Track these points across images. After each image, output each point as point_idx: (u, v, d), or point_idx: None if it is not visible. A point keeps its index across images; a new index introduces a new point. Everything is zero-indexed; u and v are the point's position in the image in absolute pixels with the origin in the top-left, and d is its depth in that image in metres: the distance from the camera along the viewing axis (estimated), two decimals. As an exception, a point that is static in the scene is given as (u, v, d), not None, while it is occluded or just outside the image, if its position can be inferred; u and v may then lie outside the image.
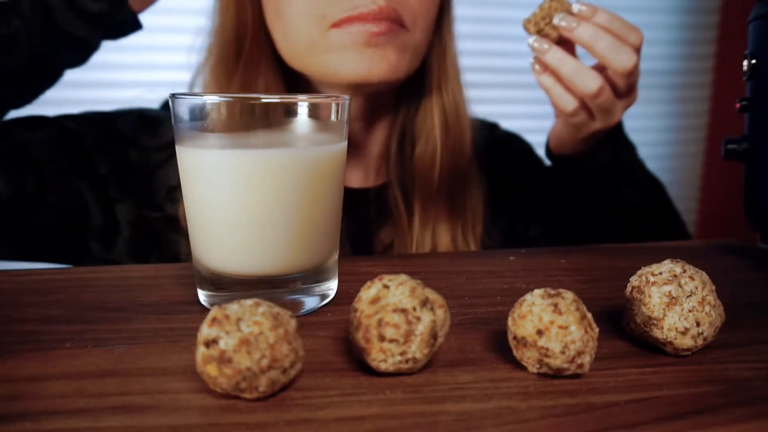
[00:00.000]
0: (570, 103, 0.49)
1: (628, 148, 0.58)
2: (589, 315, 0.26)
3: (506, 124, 0.73)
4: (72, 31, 0.52)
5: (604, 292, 0.38)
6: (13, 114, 0.57)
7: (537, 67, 0.49)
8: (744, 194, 0.46)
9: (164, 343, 0.30)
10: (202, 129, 0.32)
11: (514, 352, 0.27)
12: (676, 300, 0.28)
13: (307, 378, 0.26)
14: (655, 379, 0.27)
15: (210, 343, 0.23)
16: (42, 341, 0.29)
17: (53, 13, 0.50)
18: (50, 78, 0.57)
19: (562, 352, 0.25)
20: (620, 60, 0.46)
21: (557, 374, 0.26)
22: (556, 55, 0.47)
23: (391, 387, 0.25)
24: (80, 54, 0.57)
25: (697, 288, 0.28)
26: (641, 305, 0.28)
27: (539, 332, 0.25)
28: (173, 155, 0.35)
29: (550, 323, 0.25)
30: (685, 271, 0.28)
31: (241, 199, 0.32)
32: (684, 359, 0.29)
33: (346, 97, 0.34)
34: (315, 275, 0.34)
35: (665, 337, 0.28)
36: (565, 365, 0.25)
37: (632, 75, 0.47)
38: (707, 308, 0.28)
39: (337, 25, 0.49)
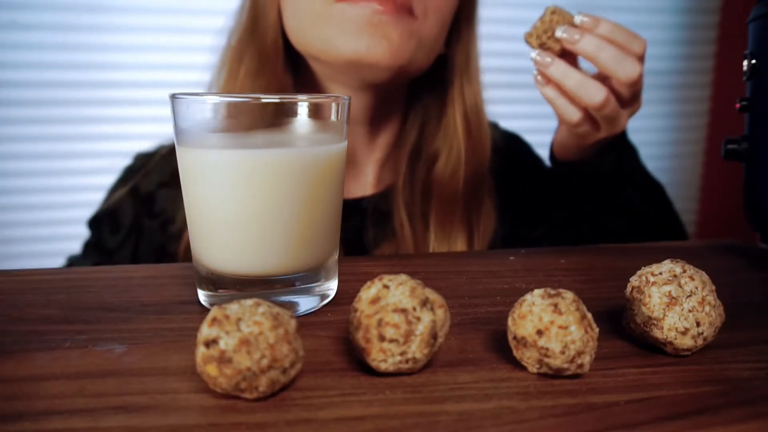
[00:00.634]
0: (574, 115, 0.48)
1: (631, 151, 0.58)
2: (589, 315, 0.26)
3: (506, 124, 0.73)
4: None
5: (604, 292, 0.38)
6: None
7: (540, 78, 0.49)
8: (744, 194, 0.46)
9: (164, 343, 0.30)
10: (202, 129, 0.32)
11: (514, 352, 0.27)
12: (676, 300, 0.28)
13: (307, 378, 0.26)
14: (655, 379, 0.27)
15: (210, 343, 0.23)
16: (42, 341, 0.29)
17: None
18: None
19: (562, 352, 0.25)
20: (624, 70, 0.45)
21: (557, 374, 0.26)
22: (559, 69, 0.46)
23: (391, 387, 0.25)
24: None
25: (697, 288, 0.28)
26: (641, 305, 0.28)
27: (539, 332, 0.25)
28: None
29: (550, 323, 0.25)
30: (685, 271, 0.28)
31: (241, 199, 0.32)
32: (684, 359, 0.29)
33: (346, 97, 0.34)
34: (315, 275, 0.34)
35: (665, 337, 0.28)
36: (565, 365, 0.25)
37: (637, 84, 0.47)
38: (707, 308, 0.28)
39: None
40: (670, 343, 0.28)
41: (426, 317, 0.25)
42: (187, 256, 0.52)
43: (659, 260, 0.30)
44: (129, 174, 0.64)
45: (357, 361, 0.28)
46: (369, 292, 0.26)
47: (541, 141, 0.67)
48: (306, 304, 0.34)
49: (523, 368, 0.27)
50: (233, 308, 0.24)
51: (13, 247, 1.27)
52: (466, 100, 0.59)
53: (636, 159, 0.59)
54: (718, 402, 0.25)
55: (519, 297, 0.27)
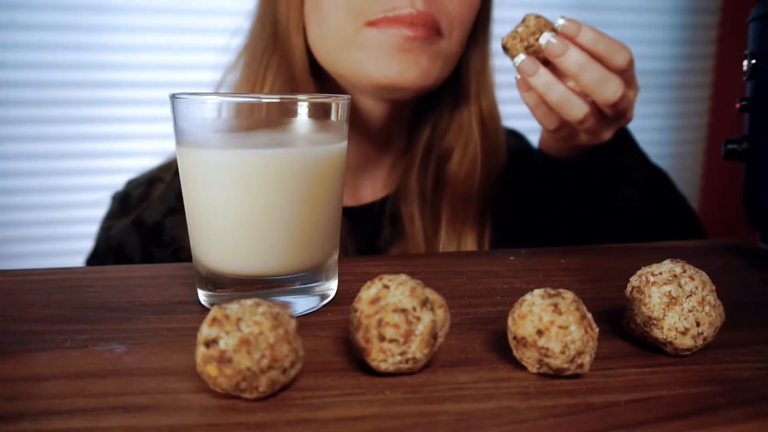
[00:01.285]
0: (551, 124, 0.47)
1: (629, 147, 0.57)
2: (589, 315, 0.26)
3: (507, 124, 0.72)
4: None
5: (604, 292, 0.38)
6: None
7: (521, 82, 0.47)
8: (744, 194, 0.46)
9: (164, 343, 0.30)
10: (202, 129, 0.32)
11: (514, 352, 0.27)
12: (676, 300, 0.28)
13: (307, 378, 0.26)
14: (655, 379, 0.27)
15: (210, 343, 0.23)
16: (42, 341, 0.29)
17: None
18: None
19: (562, 352, 0.25)
20: (605, 93, 0.43)
21: (557, 374, 0.26)
22: (544, 80, 0.44)
23: (391, 387, 0.25)
24: None
25: (697, 288, 0.28)
26: (641, 305, 0.28)
27: (539, 332, 0.25)
28: None
29: (550, 323, 0.25)
30: (685, 271, 0.28)
31: (241, 199, 0.32)
32: (684, 359, 0.29)
33: (347, 96, 0.34)
34: (315, 275, 0.34)
35: (665, 337, 0.28)
36: (565, 365, 0.25)
37: (618, 105, 0.45)
38: (707, 308, 0.28)
39: (372, 23, 0.49)
40: (670, 343, 0.28)
41: (426, 317, 0.25)
42: None
43: (659, 260, 0.30)
44: (125, 204, 0.61)
45: (357, 361, 0.28)
46: (369, 292, 0.26)
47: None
48: (306, 304, 0.34)
49: (523, 368, 0.27)
50: (233, 308, 0.24)
51: (13, 247, 1.27)
52: (482, 102, 0.59)
53: (633, 155, 0.57)
54: (718, 402, 0.25)
55: (519, 297, 0.27)
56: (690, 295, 0.28)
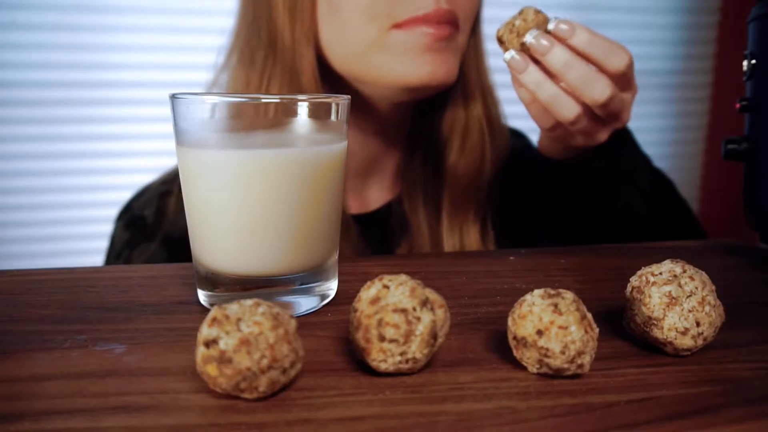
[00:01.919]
0: (546, 123, 0.47)
1: (631, 149, 0.56)
2: (589, 315, 0.26)
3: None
4: None
5: (604, 292, 0.38)
6: None
7: (514, 78, 0.46)
8: (744, 194, 0.46)
9: (164, 343, 0.30)
10: (202, 129, 0.32)
11: (514, 352, 0.27)
12: (676, 300, 0.28)
13: (307, 378, 0.26)
14: (655, 379, 0.27)
15: (210, 343, 0.23)
16: (42, 341, 0.29)
17: None
18: None
19: (562, 352, 0.25)
20: (592, 93, 0.43)
21: (557, 374, 0.26)
22: (533, 78, 0.43)
23: (391, 387, 0.25)
24: None
25: (697, 288, 0.28)
26: (641, 305, 0.28)
27: (539, 332, 0.25)
28: None
29: (550, 323, 0.25)
30: (685, 271, 0.28)
31: (241, 199, 0.32)
32: (684, 359, 0.29)
33: (347, 97, 0.34)
34: (315, 275, 0.34)
35: (665, 337, 0.28)
36: (565, 365, 0.25)
37: (608, 106, 0.44)
38: (707, 308, 0.28)
39: (398, 26, 0.49)
40: (670, 343, 0.28)
41: (426, 317, 0.25)
42: None
43: (659, 260, 0.30)
44: (141, 227, 0.58)
45: (357, 361, 0.28)
46: (369, 292, 0.26)
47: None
48: (306, 304, 0.34)
49: (523, 368, 0.27)
50: (233, 308, 0.24)
51: (13, 247, 1.27)
52: (484, 93, 0.59)
53: (636, 159, 0.57)
54: (718, 402, 0.25)
55: (519, 297, 0.27)
56: (690, 295, 0.28)
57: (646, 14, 1.59)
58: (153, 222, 0.57)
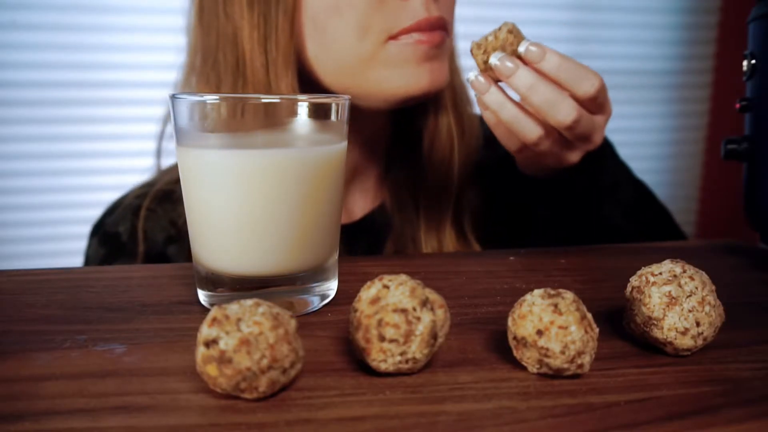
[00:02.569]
0: (513, 145, 0.47)
1: (610, 164, 0.55)
2: (589, 315, 0.26)
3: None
4: None
5: (604, 292, 0.38)
6: None
7: (478, 100, 0.45)
8: (744, 194, 0.46)
9: (164, 343, 0.30)
10: (202, 129, 0.32)
11: (514, 352, 0.27)
12: (676, 300, 0.28)
13: (307, 378, 0.26)
14: (655, 379, 0.27)
15: (210, 343, 0.23)
16: (42, 341, 0.29)
17: None
18: None
19: (562, 352, 0.25)
20: (557, 115, 0.42)
21: (557, 374, 0.26)
22: (495, 98, 0.43)
23: (391, 387, 0.25)
24: None
25: (697, 288, 0.28)
26: (641, 305, 0.28)
27: (539, 332, 0.25)
28: None
29: (550, 323, 0.25)
30: (685, 271, 0.28)
31: (241, 199, 0.32)
32: (684, 359, 0.29)
33: (347, 97, 0.34)
34: (315, 275, 0.34)
35: (665, 337, 0.28)
36: (565, 365, 0.25)
37: (575, 129, 0.43)
38: (707, 308, 0.28)
39: (393, 37, 0.48)
40: (670, 343, 0.28)
41: (426, 317, 0.25)
42: None
43: (659, 260, 0.30)
44: (115, 244, 0.56)
45: (357, 361, 0.28)
46: (369, 292, 0.26)
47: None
48: (306, 304, 0.34)
49: (523, 368, 0.27)
50: (233, 308, 0.24)
51: (13, 247, 1.27)
52: (455, 93, 0.58)
53: (616, 173, 0.56)
54: (718, 402, 0.25)
55: (519, 297, 0.27)
56: (690, 295, 0.28)
57: (646, 14, 1.59)
58: (128, 239, 0.56)
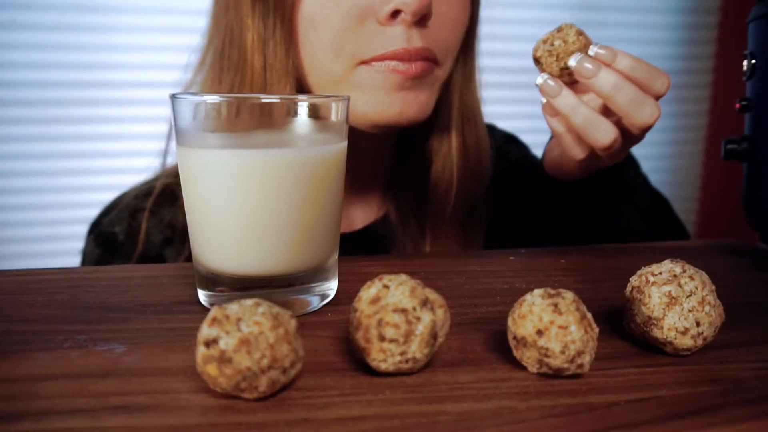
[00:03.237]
0: (580, 154, 0.44)
1: (632, 165, 0.55)
2: (589, 315, 0.26)
3: (503, 124, 0.72)
4: None
5: (604, 292, 0.38)
6: None
7: (547, 106, 0.43)
8: (744, 194, 0.46)
9: (164, 343, 0.30)
10: (202, 129, 0.32)
11: (514, 352, 0.27)
12: (676, 300, 0.28)
13: (307, 378, 0.26)
14: (655, 379, 0.27)
15: (210, 343, 0.23)
16: (42, 341, 0.29)
17: None
18: None
19: (562, 352, 0.25)
20: (642, 116, 0.40)
21: (557, 374, 0.26)
22: (568, 101, 0.41)
23: (391, 387, 0.25)
24: None
25: (697, 288, 0.28)
26: (641, 305, 0.28)
27: (539, 332, 0.25)
28: None
29: (550, 323, 0.25)
30: (685, 271, 0.28)
31: (241, 199, 0.32)
32: (684, 359, 0.29)
33: (347, 97, 0.34)
34: (315, 275, 0.34)
35: (665, 337, 0.28)
36: (565, 365, 0.25)
37: (652, 126, 0.42)
38: (707, 308, 0.28)
39: (366, 62, 0.46)
40: (670, 343, 0.28)
41: (426, 317, 0.25)
42: None
43: (659, 260, 0.30)
44: (112, 245, 0.56)
45: (357, 361, 0.28)
46: (369, 292, 0.26)
47: (537, 141, 0.67)
48: (306, 304, 0.34)
49: (523, 368, 0.27)
50: (233, 308, 0.24)
51: (13, 247, 1.27)
52: (467, 121, 0.57)
53: (637, 173, 0.56)
54: (718, 402, 0.25)
55: (519, 297, 0.27)
56: (690, 295, 0.28)
57: (646, 14, 1.59)
58: (125, 239, 0.56)
